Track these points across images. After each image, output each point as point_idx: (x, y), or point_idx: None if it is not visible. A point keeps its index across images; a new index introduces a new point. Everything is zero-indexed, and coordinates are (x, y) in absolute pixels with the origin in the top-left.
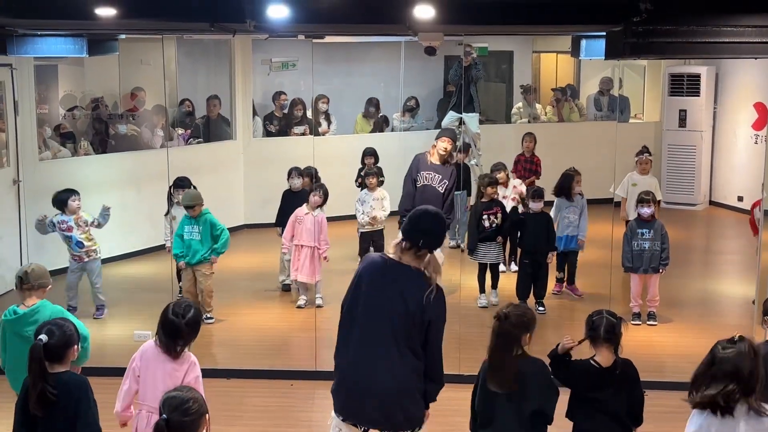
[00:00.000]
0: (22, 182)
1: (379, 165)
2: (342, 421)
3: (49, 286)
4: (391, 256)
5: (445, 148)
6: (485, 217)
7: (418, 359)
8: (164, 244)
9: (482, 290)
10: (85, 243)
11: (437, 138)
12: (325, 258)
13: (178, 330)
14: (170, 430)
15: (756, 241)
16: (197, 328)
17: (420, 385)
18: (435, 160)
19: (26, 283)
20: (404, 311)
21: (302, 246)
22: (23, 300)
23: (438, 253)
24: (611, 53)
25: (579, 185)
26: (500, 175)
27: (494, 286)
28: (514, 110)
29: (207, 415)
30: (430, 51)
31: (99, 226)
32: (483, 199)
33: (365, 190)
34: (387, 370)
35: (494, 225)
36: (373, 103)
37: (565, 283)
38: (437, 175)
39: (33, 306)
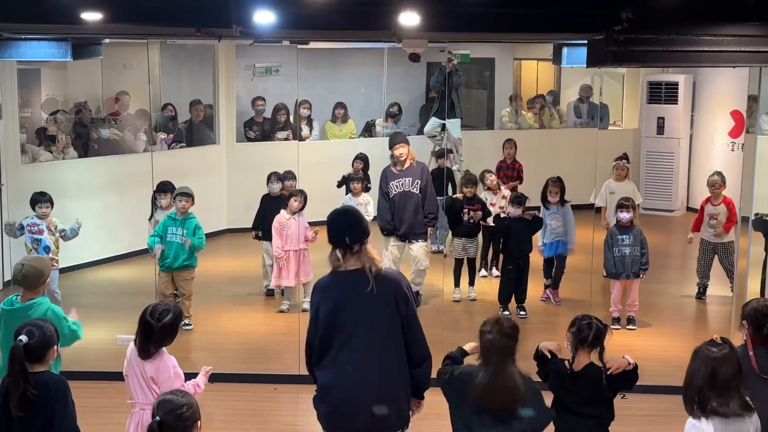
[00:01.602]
0: (4, 186)
1: (368, 173)
2: None
3: (48, 281)
4: (335, 269)
5: (401, 153)
6: (465, 211)
7: (401, 355)
8: (147, 249)
9: (457, 284)
10: (52, 249)
11: (390, 147)
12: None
13: (151, 332)
14: None
15: (694, 236)
16: (172, 332)
17: (406, 380)
18: (399, 167)
19: (23, 286)
20: (378, 309)
21: (288, 251)
22: (23, 293)
23: (423, 256)
24: (593, 61)
25: (552, 195)
26: (490, 179)
27: (471, 282)
28: (503, 112)
29: (199, 422)
30: (415, 57)
31: (65, 237)
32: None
33: (349, 195)
34: (377, 377)
35: (472, 221)
36: (340, 107)
37: (549, 288)
38: (407, 179)
39: (29, 302)
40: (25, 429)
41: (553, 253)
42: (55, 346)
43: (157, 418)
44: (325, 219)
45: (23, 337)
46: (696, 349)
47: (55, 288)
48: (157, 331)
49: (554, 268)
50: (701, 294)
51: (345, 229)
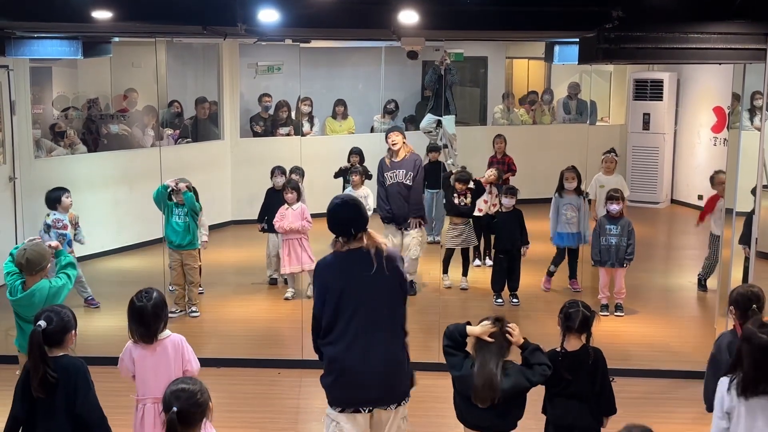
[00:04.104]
0: (17, 179)
1: (365, 165)
2: (340, 413)
3: (49, 265)
4: (338, 250)
5: (393, 141)
6: (456, 194)
7: (403, 328)
8: (155, 239)
9: (445, 271)
10: (74, 242)
11: (386, 136)
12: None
13: (146, 313)
14: (181, 421)
15: (700, 227)
16: (164, 307)
17: (406, 353)
18: (393, 158)
19: (25, 271)
20: (381, 285)
21: (288, 239)
22: (26, 279)
23: (414, 245)
24: (584, 58)
25: (569, 182)
26: (489, 172)
27: (465, 273)
28: (495, 109)
29: (210, 403)
30: (413, 55)
31: (76, 237)
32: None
33: (349, 188)
34: (384, 351)
35: (462, 204)
36: (340, 104)
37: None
38: (401, 171)
39: (29, 290)
40: (48, 411)
41: (566, 244)
42: (74, 331)
43: (175, 408)
44: (323, 211)
45: (42, 323)
46: (748, 333)
47: (80, 272)
48: (150, 310)
49: (568, 261)
50: (703, 286)
51: (349, 220)
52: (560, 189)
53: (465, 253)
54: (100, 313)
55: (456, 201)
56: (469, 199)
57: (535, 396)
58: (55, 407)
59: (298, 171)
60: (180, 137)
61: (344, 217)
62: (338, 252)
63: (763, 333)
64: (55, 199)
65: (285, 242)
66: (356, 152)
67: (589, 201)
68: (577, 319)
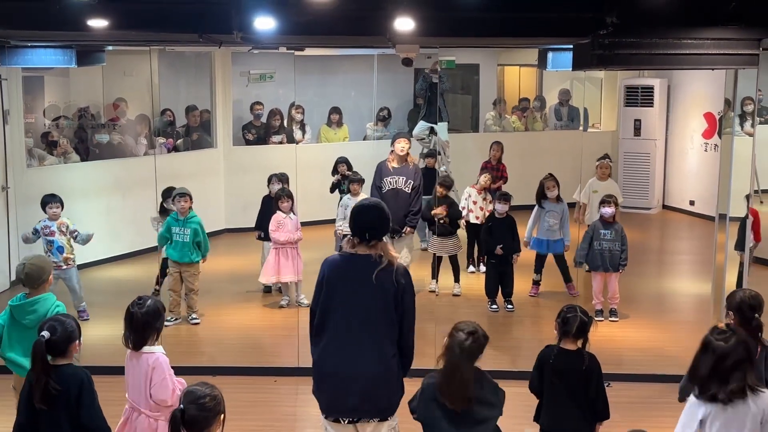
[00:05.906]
0: (10, 189)
1: (354, 171)
2: (325, 419)
3: (50, 278)
4: (346, 250)
5: (402, 148)
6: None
7: (394, 343)
8: (149, 247)
9: (433, 276)
10: (65, 249)
11: (393, 140)
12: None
13: (136, 320)
14: (185, 423)
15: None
16: (156, 317)
17: (398, 366)
18: (396, 163)
19: (26, 284)
20: (378, 297)
21: (278, 248)
22: (29, 291)
23: (405, 253)
24: (578, 64)
25: (550, 190)
26: (484, 178)
27: (456, 279)
28: (487, 116)
29: (223, 414)
30: (407, 62)
31: (76, 240)
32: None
33: (348, 195)
34: (369, 358)
35: (441, 221)
36: (336, 112)
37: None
38: (401, 177)
39: (35, 297)
40: (51, 421)
41: (546, 251)
42: (78, 341)
43: (181, 406)
44: (319, 218)
45: (45, 333)
46: (705, 340)
47: (75, 284)
48: (140, 318)
49: (558, 267)
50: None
51: (368, 224)
52: (541, 198)
53: (454, 259)
54: (92, 323)
55: (438, 221)
56: (447, 219)
57: (529, 403)
58: (58, 417)
59: (282, 177)
60: (175, 147)
61: (365, 220)
62: (345, 252)
63: (720, 341)
64: (43, 204)
65: (276, 250)
66: (343, 161)
67: (579, 206)
68: (574, 324)
